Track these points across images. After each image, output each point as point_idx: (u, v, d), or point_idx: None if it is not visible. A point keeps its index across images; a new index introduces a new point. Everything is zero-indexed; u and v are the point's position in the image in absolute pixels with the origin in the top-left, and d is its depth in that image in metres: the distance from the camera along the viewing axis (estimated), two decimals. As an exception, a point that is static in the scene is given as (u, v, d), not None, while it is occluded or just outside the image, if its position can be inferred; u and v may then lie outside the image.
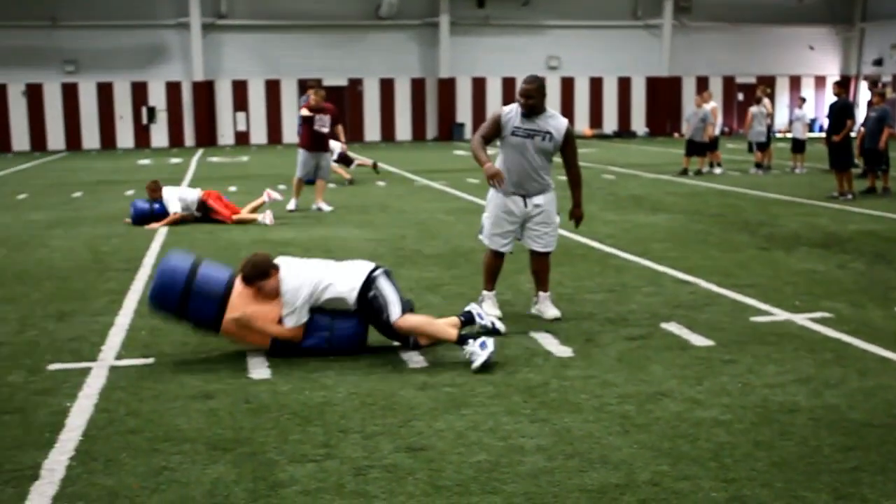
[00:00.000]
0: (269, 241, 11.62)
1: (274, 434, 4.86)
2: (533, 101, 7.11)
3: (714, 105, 22.18)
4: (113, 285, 8.96)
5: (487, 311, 7.07)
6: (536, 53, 39.38)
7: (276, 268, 6.31)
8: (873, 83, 36.57)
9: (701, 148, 21.22)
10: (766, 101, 22.35)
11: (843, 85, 17.68)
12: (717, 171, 21.37)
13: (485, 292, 7.51)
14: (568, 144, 7.35)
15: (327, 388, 5.61)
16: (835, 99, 17.10)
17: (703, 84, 40.75)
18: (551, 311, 7.36)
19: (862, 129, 17.43)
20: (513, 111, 7.22)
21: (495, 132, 7.25)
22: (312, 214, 14.29)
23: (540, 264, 7.45)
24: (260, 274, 6.24)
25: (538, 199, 7.28)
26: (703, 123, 21.07)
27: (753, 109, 22.02)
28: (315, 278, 6.25)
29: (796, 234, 11.67)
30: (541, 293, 7.46)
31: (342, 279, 6.29)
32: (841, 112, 16.56)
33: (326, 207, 14.67)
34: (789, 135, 24.25)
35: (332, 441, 4.75)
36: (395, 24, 38.31)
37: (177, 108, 37.47)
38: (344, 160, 19.60)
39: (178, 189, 13.99)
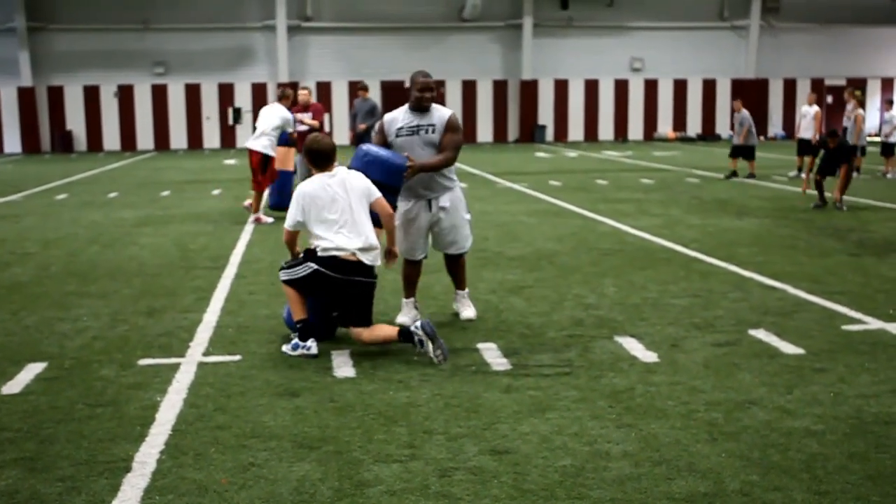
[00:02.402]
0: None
1: (359, 433, 4.89)
2: (431, 94, 7.10)
3: (818, 109, 21.80)
4: (200, 283, 9.12)
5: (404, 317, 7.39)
6: (620, 55, 39.04)
7: None
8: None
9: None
10: (853, 102, 21.84)
11: None
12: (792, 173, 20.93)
13: (404, 300, 7.58)
14: (447, 132, 7.12)
15: (411, 389, 5.63)
16: None
17: (790, 86, 39.95)
18: (467, 312, 7.45)
19: None
20: (396, 115, 7.18)
21: (383, 141, 7.17)
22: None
23: (454, 266, 7.50)
24: None
25: (444, 202, 7.21)
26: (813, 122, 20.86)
27: (861, 112, 21.48)
28: None
29: (888, 241, 11.35)
30: (458, 291, 7.52)
31: None
32: None
33: None
34: (877, 138, 23.67)
35: (416, 442, 4.76)
36: (477, 25, 38.34)
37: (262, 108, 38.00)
38: None
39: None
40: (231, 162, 29.27)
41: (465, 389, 5.61)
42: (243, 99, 37.98)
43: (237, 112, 37.98)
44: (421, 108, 7.13)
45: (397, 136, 7.13)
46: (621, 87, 39.67)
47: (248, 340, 6.85)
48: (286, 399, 5.47)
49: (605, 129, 39.15)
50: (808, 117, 21.57)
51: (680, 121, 40.17)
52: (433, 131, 7.12)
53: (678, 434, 4.82)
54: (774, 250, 10.70)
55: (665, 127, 39.78)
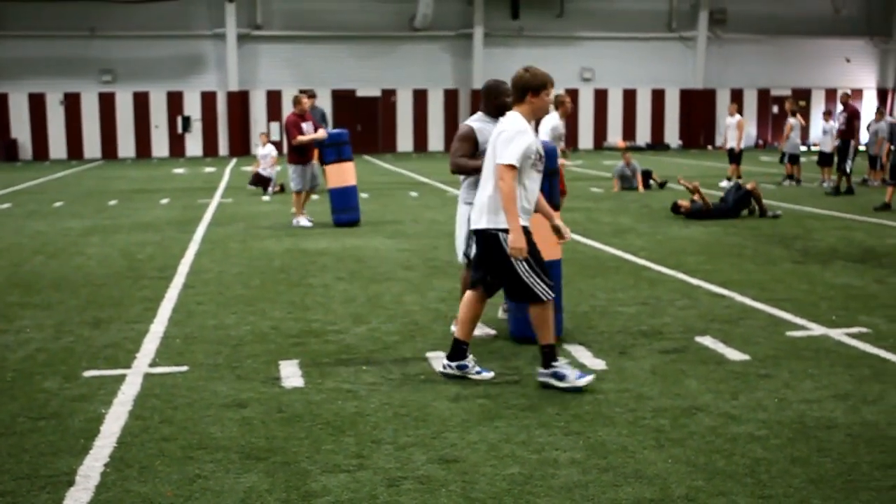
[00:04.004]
0: (303, 250, 11.67)
1: (307, 444, 4.86)
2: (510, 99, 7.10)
3: (741, 118, 22.17)
4: (148, 293, 9.02)
5: (481, 331, 7.26)
6: (570, 65, 39.34)
7: None
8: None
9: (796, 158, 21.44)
10: (798, 114, 22.31)
11: None
12: (724, 183, 21.10)
13: None
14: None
15: (360, 399, 5.61)
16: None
17: (737, 96, 40.51)
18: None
19: (887, 143, 17.40)
20: (481, 121, 7.07)
21: (473, 149, 6.98)
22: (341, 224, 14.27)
23: None
24: None
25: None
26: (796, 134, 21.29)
27: (793, 121, 21.89)
28: None
29: (832, 248, 11.55)
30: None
31: None
32: None
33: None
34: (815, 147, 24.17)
35: (364, 451, 4.74)
36: (428, 35, 38.42)
37: (211, 117, 37.79)
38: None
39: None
40: (180, 171, 29.01)
41: (414, 398, 5.60)
42: (192, 107, 37.68)
43: (187, 121, 37.66)
44: (503, 114, 7.03)
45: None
46: (571, 97, 39.77)
47: (196, 351, 6.78)
48: (233, 410, 5.42)
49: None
50: (731, 127, 21.97)
51: (630, 130, 40.55)
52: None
53: (625, 441, 4.85)
54: (722, 258, 10.83)
55: (615, 136, 40.13)
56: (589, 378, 5.76)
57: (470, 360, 5.99)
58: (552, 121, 11.66)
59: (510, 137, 5.69)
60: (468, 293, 6.12)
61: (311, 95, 17.19)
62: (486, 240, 5.83)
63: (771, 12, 40.26)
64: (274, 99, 37.88)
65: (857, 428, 5.04)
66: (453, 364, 5.98)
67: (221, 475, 4.45)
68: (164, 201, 18.76)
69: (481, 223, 5.84)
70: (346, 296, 8.78)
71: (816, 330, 7.29)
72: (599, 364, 6.33)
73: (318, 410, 5.40)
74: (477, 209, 5.91)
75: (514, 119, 5.84)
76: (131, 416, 5.32)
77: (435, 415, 5.30)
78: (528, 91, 5.85)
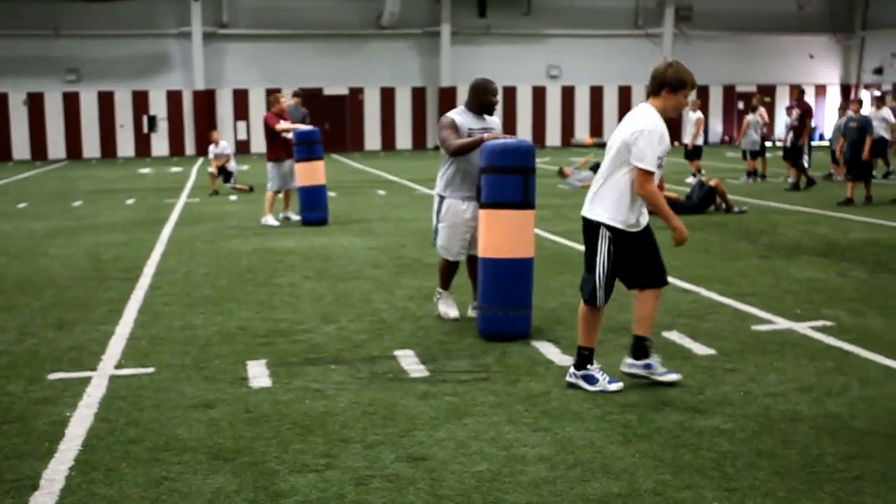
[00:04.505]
0: (270, 249, 11.62)
1: (275, 444, 4.84)
2: (496, 99, 7.51)
3: (700, 115, 22.24)
4: (113, 294, 8.95)
5: (445, 310, 7.60)
6: (537, 62, 39.45)
7: None
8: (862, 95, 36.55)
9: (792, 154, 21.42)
10: (761, 109, 22.40)
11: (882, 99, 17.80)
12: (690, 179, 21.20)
13: (443, 290, 7.76)
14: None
15: (328, 398, 5.60)
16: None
17: (703, 93, 40.76)
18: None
19: (842, 138, 17.62)
20: (461, 114, 7.45)
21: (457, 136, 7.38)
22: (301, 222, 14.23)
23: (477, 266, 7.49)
24: None
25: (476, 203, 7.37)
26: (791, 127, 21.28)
27: (749, 118, 22.07)
28: None
29: (797, 243, 11.66)
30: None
31: None
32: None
33: (296, 217, 14.49)
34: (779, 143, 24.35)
35: (333, 451, 4.73)
36: (396, 33, 38.38)
37: (177, 116, 37.54)
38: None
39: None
40: (146, 171, 28.80)
41: (383, 397, 5.60)
42: (158, 107, 37.41)
43: (152, 120, 37.38)
44: (488, 112, 7.52)
45: (469, 135, 7.37)
46: (539, 94, 40.09)
47: (162, 352, 6.74)
48: (201, 411, 5.39)
49: (523, 135, 39.40)
50: (690, 123, 22.01)
51: (597, 126, 40.72)
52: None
53: (593, 436, 4.88)
54: (688, 254, 10.89)
55: (582, 133, 40.29)
56: (619, 385, 5.68)
57: (654, 359, 5.79)
58: None
59: (651, 140, 5.49)
60: (642, 294, 5.87)
61: (297, 95, 17.16)
62: (590, 227, 5.75)
63: (736, 9, 40.56)
64: (241, 98, 37.70)
65: (821, 420, 5.10)
66: (639, 363, 5.78)
67: (189, 476, 4.42)
68: (130, 201, 18.62)
69: (592, 213, 5.73)
70: (314, 295, 8.76)
71: (781, 324, 7.36)
72: (568, 360, 6.34)
73: (286, 410, 5.38)
74: (591, 197, 5.79)
75: (648, 114, 5.62)
76: (97, 419, 5.27)
77: (403, 413, 5.30)
78: (666, 86, 5.67)
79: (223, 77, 37.51)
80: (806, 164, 19.65)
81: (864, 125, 16.80)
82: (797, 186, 19.19)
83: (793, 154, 19.86)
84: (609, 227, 5.65)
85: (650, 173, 5.50)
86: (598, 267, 5.72)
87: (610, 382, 5.67)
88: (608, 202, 5.64)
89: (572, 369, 5.81)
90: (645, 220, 5.74)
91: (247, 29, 37.44)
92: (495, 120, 7.66)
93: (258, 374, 6.14)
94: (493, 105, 7.54)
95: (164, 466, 4.54)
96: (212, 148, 20.34)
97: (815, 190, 18.97)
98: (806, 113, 20.20)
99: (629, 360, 5.79)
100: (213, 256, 11.18)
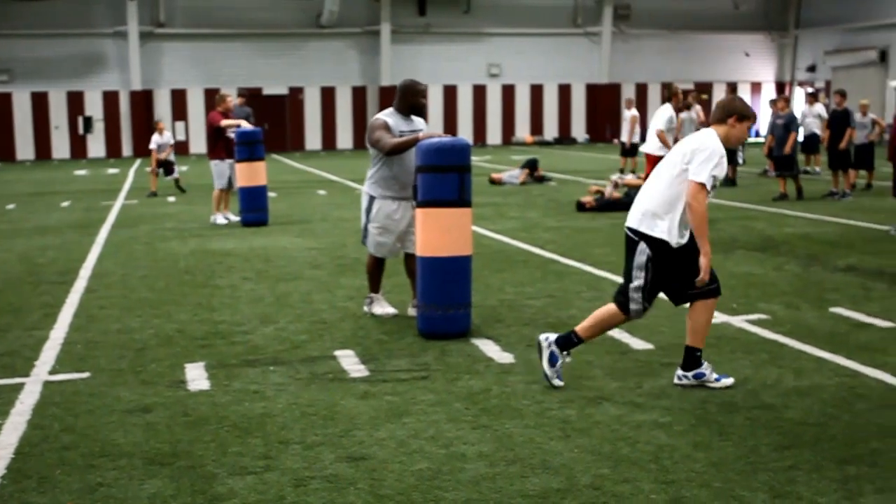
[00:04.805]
0: (209, 251, 11.50)
1: (213, 447, 4.79)
2: (425, 100, 7.55)
3: (635, 113, 22.48)
4: (48, 298, 8.78)
5: (382, 310, 7.64)
6: (477, 61, 39.54)
7: None
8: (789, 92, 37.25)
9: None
10: (697, 107, 22.64)
11: (842, 95, 18.09)
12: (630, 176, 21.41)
13: (373, 294, 7.80)
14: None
15: (267, 399, 5.55)
16: (835, 108, 17.79)
17: (642, 90, 41.23)
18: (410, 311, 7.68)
19: (770, 136, 17.99)
20: (391, 115, 7.51)
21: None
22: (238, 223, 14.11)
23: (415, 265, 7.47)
24: None
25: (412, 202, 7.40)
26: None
27: (684, 115, 22.31)
28: None
29: (733, 238, 11.84)
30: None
31: None
32: (843, 121, 17.35)
33: (234, 217, 14.39)
34: None
35: (272, 452, 4.69)
36: (335, 32, 38.20)
37: (114, 117, 36.95)
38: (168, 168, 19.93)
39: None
40: (82, 173, 28.32)
41: (322, 397, 5.57)
42: (94, 108, 36.80)
43: (88, 121, 36.77)
44: (417, 113, 7.58)
45: (400, 135, 7.41)
46: (479, 93, 40.18)
47: (98, 357, 6.63)
48: (137, 415, 5.31)
49: (465, 134, 39.48)
50: (626, 121, 22.32)
51: (537, 125, 40.93)
52: None
53: (532, 432, 4.90)
54: (627, 250, 10.99)
55: (523, 131, 40.47)
56: (731, 380, 5.69)
57: (706, 368, 5.71)
58: (667, 112, 13.77)
59: (711, 158, 5.48)
60: (696, 306, 5.78)
61: (242, 95, 17.15)
62: (634, 240, 5.65)
63: (673, 8, 41.04)
64: (179, 98, 37.24)
65: (757, 411, 5.18)
66: (689, 374, 5.71)
67: (125, 482, 4.36)
68: (65, 204, 18.29)
69: (641, 226, 5.62)
70: (254, 296, 8.69)
71: (718, 318, 7.45)
72: (507, 358, 6.38)
73: (225, 412, 5.33)
74: (640, 210, 5.68)
75: (712, 138, 5.62)
76: (30, 426, 5.17)
77: (343, 413, 5.28)
78: (734, 115, 5.69)
79: (161, 77, 37.02)
80: (740, 161, 19.94)
81: (790, 122, 17.24)
82: (734, 182, 19.47)
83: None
84: (660, 242, 5.57)
85: (704, 188, 5.49)
86: (635, 281, 5.63)
87: (717, 379, 5.65)
88: (664, 219, 5.57)
89: (680, 371, 5.75)
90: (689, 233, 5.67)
91: (184, 28, 36.99)
92: (421, 121, 7.68)
93: (196, 376, 6.07)
94: (422, 106, 7.58)
95: (100, 473, 4.47)
96: (156, 137, 19.90)
97: (753, 186, 19.26)
98: None
99: (680, 373, 5.73)
100: (151, 258, 11.03)
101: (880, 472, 4.31)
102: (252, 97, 36.46)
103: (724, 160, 5.56)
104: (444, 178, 6.70)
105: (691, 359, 5.69)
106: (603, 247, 11.23)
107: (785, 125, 17.26)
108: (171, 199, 18.77)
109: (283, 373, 6.11)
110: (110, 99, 36.74)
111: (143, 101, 36.59)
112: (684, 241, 5.60)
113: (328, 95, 38.82)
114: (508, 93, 40.42)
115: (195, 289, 9.09)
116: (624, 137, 22.29)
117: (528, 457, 4.56)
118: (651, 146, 13.85)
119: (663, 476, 4.30)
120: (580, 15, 40.48)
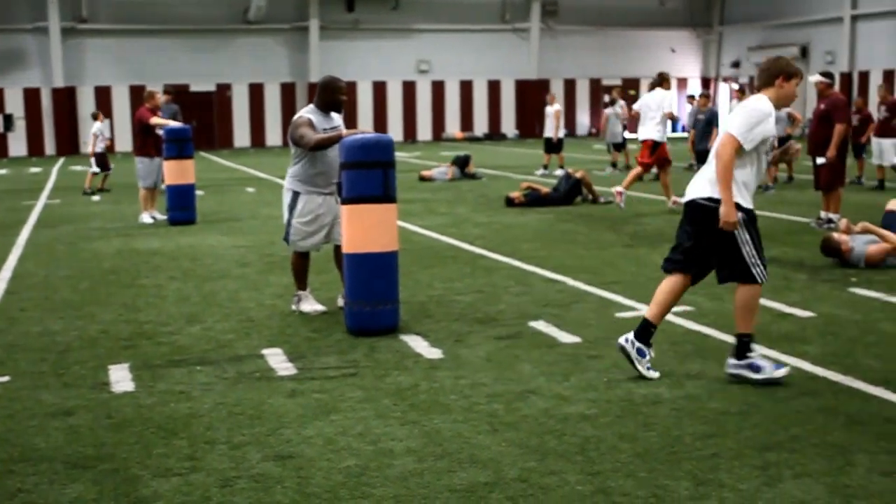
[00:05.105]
0: (135, 250, 11.31)
1: (137, 449, 4.72)
2: (344, 97, 7.62)
3: (558, 108, 22.65)
4: (-34, 301, 8.56)
5: (310, 307, 7.59)
6: (406, 57, 39.50)
7: None
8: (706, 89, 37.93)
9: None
10: (621, 102, 22.92)
11: (742, 91, 18.46)
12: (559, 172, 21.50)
13: (301, 292, 7.76)
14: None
15: (193, 400, 5.49)
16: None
17: (570, 86, 41.58)
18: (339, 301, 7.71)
19: (693, 130, 18.37)
20: (313, 113, 7.52)
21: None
22: (164, 222, 13.91)
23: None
24: None
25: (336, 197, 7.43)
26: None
27: (608, 111, 22.60)
28: None
29: (660, 231, 12.00)
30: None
31: None
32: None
33: (161, 216, 14.16)
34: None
35: (197, 453, 4.64)
36: (263, 28, 37.84)
37: (36, 115, 36.12)
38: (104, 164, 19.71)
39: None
40: (2, 172, 27.64)
41: (249, 397, 5.52)
42: (14, 105, 35.92)
43: (9, 119, 35.88)
44: (336, 110, 7.59)
45: (325, 132, 7.41)
46: (409, 89, 40.15)
47: (18, 360, 6.48)
48: (59, 419, 5.21)
49: (395, 131, 39.42)
50: (549, 116, 22.48)
51: (467, 121, 41.03)
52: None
53: (460, 427, 4.92)
54: (556, 245, 11.10)
55: (453, 127, 40.55)
56: (786, 370, 5.60)
57: (757, 356, 5.64)
58: (660, 94, 14.32)
59: (757, 118, 5.50)
60: (670, 281, 5.84)
61: (168, 92, 16.95)
62: (708, 213, 5.59)
63: (600, 4, 41.44)
64: (103, 95, 36.53)
65: (681, 402, 5.27)
66: (742, 363, 5.60)
67: (45, 487, 4.27)
68: (-14, 204, 17.84)
69: (704, 192, 5.61)
70: (180, 295, 8.58)
71: (644, 310, 7.49)
72: (436, 353, 6.39)
73: (150, 414, 5.25)
74: (701, 182, 5.69)
75: (762, 100, 5.61)
76: (-54, 431, 5.04)
77: (270, 412, 5.24)
78: (781, 75, 5.66)
79: (84, 74, 36.28)
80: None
81: (711, 118, 17.67)
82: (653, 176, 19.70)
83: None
84: (742, 209, 5.56)
85: (735, 139, 5.48)
86: (743, 248, 5.57)
87: (776, 368, 5.60)
88: (737, 186, 5.56)
89: (732, 360, 5.67)
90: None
91: (108, 24, 36.30)
92: (339, 118, 7.69)
93: (120, 378, 5.98)
94: (341, 103, 7.60)
95: (19, 478, 4.38)
96: (98, 125, 19.71)
97: (681, 180, 19.50)
98: None
99: (732, 361, 5.67)
100: (75, 259, 10.82)
101: (799, 458, 4.41)
102: (179, 94, 36.02)
103: (771, 119, 5.57)
104: (369, 174, 6.68)
105: (741, 346, 5.65)
106: (531, 242, 11.31)
107: (707, 120, 17.68)
108: (96, 198, 18.44)
109: (210, 372, 6.04)
110: (31, 96, 35.92)
111: (65, 99, 35.85)
112: (746, 203, 5.59)
113: (256, 92, 38.45)
114: (438, 89, 40.45)
115: (120, 289, 8.94)
116: (549, 133, 22.40)
117: (456, 451, 4.58)
118: (650, 132, 14.31)
119: (589, 467, 4.35)
120: (508, 11, 40.67)
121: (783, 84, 5.68)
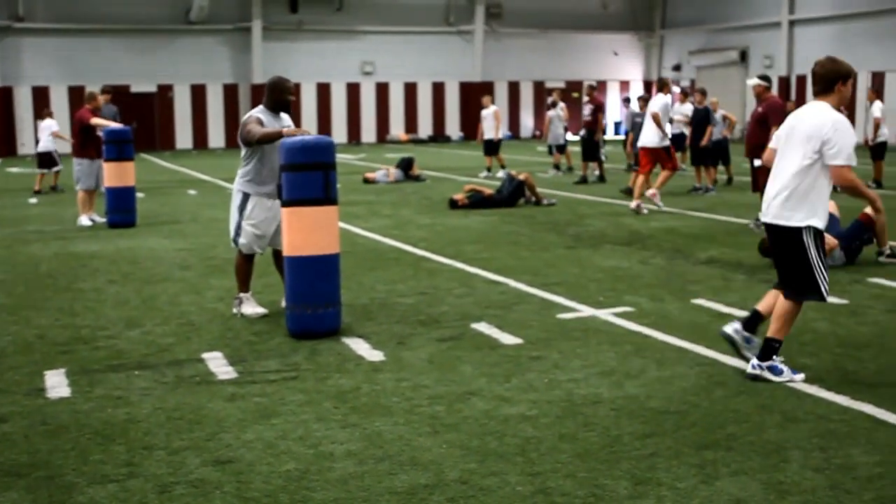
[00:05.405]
0: (73, 253, 11.13)
1: (73, 455, 4.65)
2: (292, 97, 7.65)
3: (496, 108, 22.79)
4: None
5: (252, 310, 7.57)
6: (350, 59, 39.38)
7: None
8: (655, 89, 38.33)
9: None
10: (561, 104, 23.06)
11: (703, 93, 18.65)
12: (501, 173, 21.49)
13: (243, 294, 7.71)
14: None
15: (131, 405, 5.41)
16: (697, 107, 18.47)
17: (514, 88, 41.78)
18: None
19: (630, 133, 18.68)
20: (263, 113, 7.53)
21: None
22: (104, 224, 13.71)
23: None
24: None
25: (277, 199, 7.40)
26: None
27: (550, 113, 22.73)
28: None
29: (602, 233, 12.11)
30: None
31: None
32: (703, 118, 18.01)
33: (101, 219, 13.99)
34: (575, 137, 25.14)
35: (135, 459, 4.58)
36: (205, 28, 37.48)
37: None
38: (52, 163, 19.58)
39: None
40: (-63, 174, 27.01)
41: (189, 401, 5.46)
42: (-50, 106, 35.17)
43: (-57, 120, 35.09)
44: (285, 110, 7.60)
45: None
46: (353, 91, 40.04)
47: (-49, 365, 6.34)
48: (-8, 425, 5.11)
49: (339, 132, 39.31)
50: (488, 118, 22.56)
51: (412, 123, 41.04)
52: None
53: (401, 430, 4.91)
54: (498, 246, 11.14)
55: (397, 129, 40.52)
56: (802, 375, 5.65)
57: (779, 361, 5.66)
58: (665, 100, 14.83)
59: (843, 133, 5.46)
60: (780, 296, 5.77)
61: (107, 92, 16.70)
62: (790, 235, 5.59)
63: (543, 7, 41.70)
64: (41, 96, 35.85)
65: (621, 402, 5.31)
66: (763, 364, 5.65)
67: (-23, 496, 4.19)
68: (-81, 207, 17.44)
69: (789, 221, 5.58)
70: (119, 299, 8.46)
71: (585, 311, 7.62)
72: (378, 356, 6.37)
73: (86, 420, 5.17)
74: (779, 204, 5.62)
75: (830, 111, 5.56)
76: None
77: (210, 416, 5.19)
78: (839, 79, 5.61)
79: (21, 74, 35.59)
80: (603, 157, 20.39)
81: (706, 115, 18.05)
82: (585, 179, 19.80)
83: (587, 149, 20.22)
84: (812, 229, 5.57)
85: (851, 168, 5.51)
86: (813, 266, 5.57)
87: (794, 373, 5.65)
88: (809, 205, 5.55)
89: (755, 361, 5.69)
90: None
91: (46, 23, 35.67)
92: (288, 118, 7.72)
93: (56, 383, 5.88)
94: (289, 103, 7.61)
95: (-50, 486, 4.29)
96: (49, 122, 19.65)
97: (621, 182, 19.70)
98: (598, 108, 20.84)
99: (755, 362, 5.70)
100: (10, 262, 10.62)
101: (735, 456, 4.48)
102: (119, 95, 35.52)
103: (850, 126, 5.58)
104: (309, 176, 6.65)
105: (768, 349, 5.68)
106: (475, 244, 11.34)
107: (701, 118, 17.98)
108: (34, 200, 18.11)
109: (149, 377, 5.96)
110: (-33, 97, 35.19)
111: (1, 99, 35.16)
112: (822, 224, 5.63)
113: (199, 93, 38.07)
114: (382, 91, 40.40)
115: (57, 293, 8.79)
116: (489, 134, 22.46)
117: (397, 454, 4.57)
118: (651, 139, 14.56)
119: (529, 468, 4.37)
120: (452, 13, 40.76)
121: (842, 88, 5.68)
